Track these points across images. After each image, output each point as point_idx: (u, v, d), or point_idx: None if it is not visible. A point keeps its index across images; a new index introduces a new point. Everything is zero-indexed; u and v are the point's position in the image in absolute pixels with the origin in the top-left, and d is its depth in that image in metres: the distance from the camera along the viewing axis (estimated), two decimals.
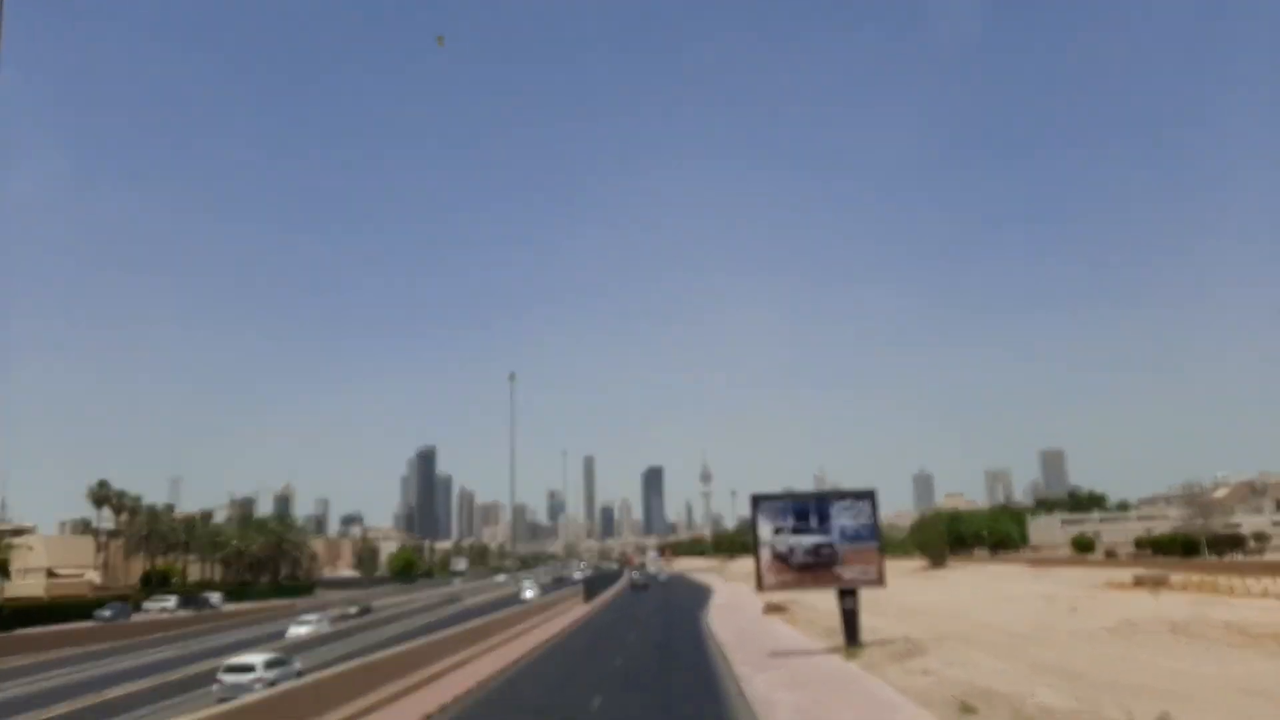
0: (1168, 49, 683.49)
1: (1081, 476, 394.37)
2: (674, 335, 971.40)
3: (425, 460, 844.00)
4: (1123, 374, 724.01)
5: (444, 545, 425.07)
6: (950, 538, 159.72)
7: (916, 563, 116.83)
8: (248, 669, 31.89)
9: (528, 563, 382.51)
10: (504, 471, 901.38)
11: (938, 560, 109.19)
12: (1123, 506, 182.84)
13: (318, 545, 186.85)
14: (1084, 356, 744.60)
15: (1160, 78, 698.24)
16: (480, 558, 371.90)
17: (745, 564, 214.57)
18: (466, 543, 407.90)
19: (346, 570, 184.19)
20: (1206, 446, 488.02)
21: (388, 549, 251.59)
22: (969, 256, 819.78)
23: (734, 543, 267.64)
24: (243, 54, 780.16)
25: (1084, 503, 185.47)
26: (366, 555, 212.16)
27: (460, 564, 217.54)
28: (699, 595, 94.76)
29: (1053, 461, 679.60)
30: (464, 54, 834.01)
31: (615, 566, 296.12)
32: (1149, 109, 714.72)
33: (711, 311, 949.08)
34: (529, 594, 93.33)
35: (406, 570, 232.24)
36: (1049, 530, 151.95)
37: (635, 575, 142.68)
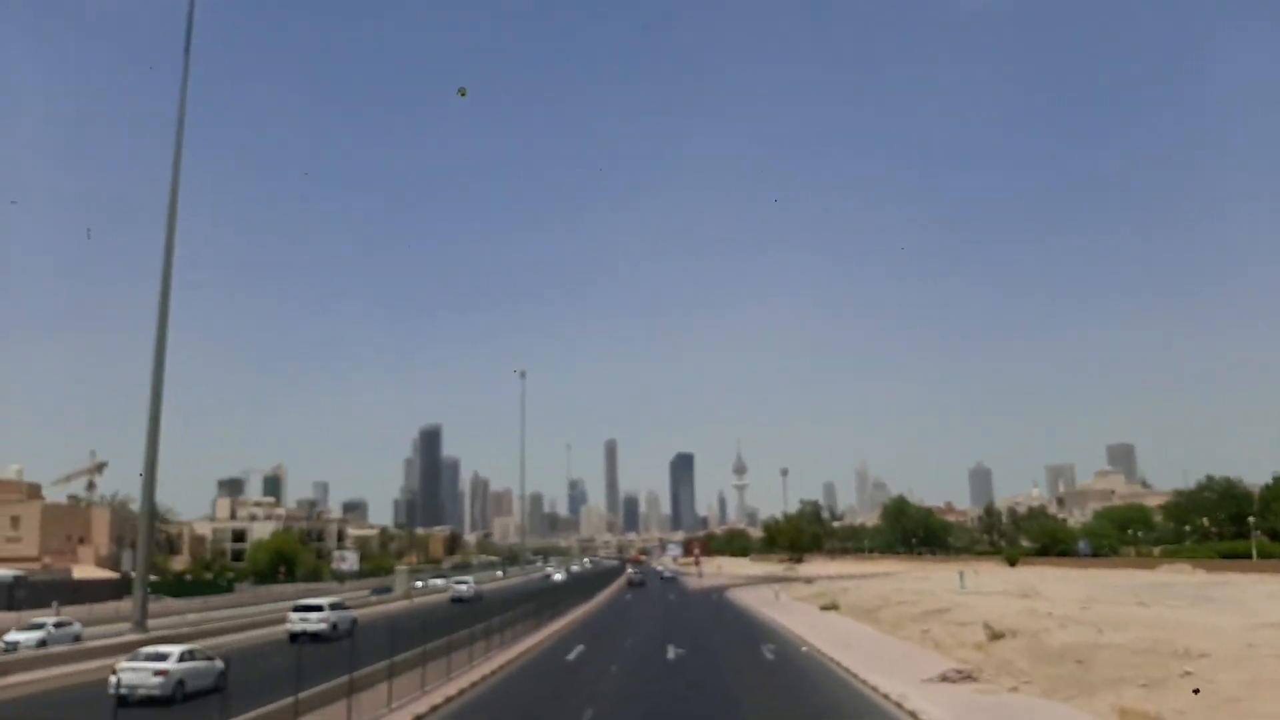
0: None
1: (1153, 473, 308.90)
2: (708, 317, 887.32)
3: (429, 440, 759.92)
4: (1191, 366, 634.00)
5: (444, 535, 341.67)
6: None
7: None
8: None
9: (514, 559, 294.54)
10: (517, 457, 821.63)
11: None
12: None
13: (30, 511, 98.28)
14: (1151, 349, 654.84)
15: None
16: (444, 549, 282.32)
17: (838, 574, 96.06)
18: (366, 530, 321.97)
19: (91, 568, 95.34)
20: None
21: (264, 530, 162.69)
22: (1030, 244, 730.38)
23: (801, 535, 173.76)
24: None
25: None
26: (163, 539, 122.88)
27: (347, 559, 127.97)
28: None
29: (1121, 456, 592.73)
30: (481, 25, 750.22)
31: (615, 563, 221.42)
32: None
33: (750, 294, 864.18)
34: None
35: (274, 566, 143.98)
36: None
37: (633, 573, 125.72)
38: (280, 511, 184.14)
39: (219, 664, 29.49)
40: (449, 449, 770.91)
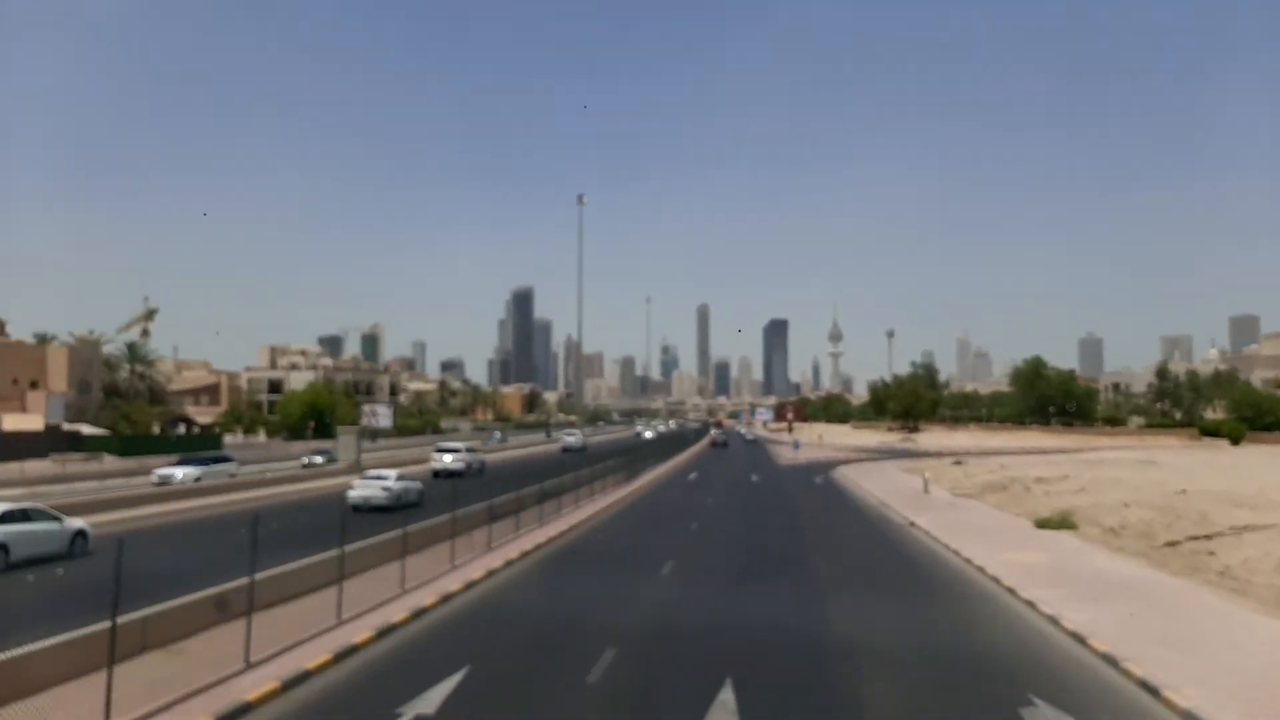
0: None
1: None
2: (805, 179, 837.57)
3: (521, 302, 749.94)
4: None
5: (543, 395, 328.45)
6: None
7: None
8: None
9: (596, 419, 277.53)
10: (609, 320, 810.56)
11: None
12: None
13: None
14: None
15: None
16: (521, 408, 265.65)
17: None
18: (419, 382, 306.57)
19: (35, 418, 76.87)
20: None
21: (302, 380, 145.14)
22: (1152, 103, 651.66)
23: (918, 400, 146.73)
24: None
25: None
26: (144, 387, 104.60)
27: (379, 414, 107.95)
28: None
29: (1244, 328, 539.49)
30: None
31: (697, 426, 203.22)
32: None
33: (847, 156, 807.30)
34: None
35: (305, 420, 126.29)
36: None
37: (716, 434, 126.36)
38: (327, 362, 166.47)
39: (418, 484, 38.58)
40: (542, 311, 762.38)
